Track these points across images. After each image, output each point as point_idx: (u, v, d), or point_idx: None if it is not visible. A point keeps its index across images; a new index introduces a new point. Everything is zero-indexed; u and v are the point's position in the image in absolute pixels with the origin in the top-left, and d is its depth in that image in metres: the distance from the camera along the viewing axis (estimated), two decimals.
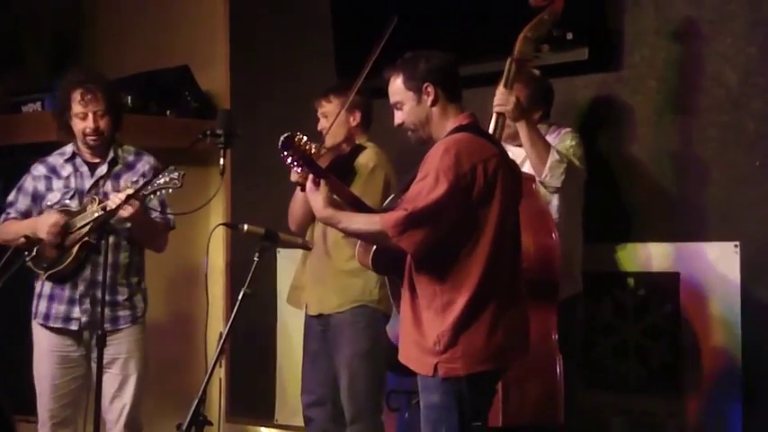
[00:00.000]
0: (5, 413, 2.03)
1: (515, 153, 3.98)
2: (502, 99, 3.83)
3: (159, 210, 4.10)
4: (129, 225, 4.00)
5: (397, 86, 3.27)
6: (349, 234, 3.31)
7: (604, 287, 4.30)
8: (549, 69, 4.13)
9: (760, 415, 3.98)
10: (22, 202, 4.18)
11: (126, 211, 3.86)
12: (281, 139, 3.23)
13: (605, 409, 4.29)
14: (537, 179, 3.86)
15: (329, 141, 4.14)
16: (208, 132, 3.72)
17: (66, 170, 4.16)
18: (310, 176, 3.24)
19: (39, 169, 4.20)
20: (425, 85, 3.23)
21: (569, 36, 4.15)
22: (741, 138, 4.07)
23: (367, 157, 4.13)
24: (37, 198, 4.16)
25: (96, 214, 3.92)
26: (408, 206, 3.09)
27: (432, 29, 4.56)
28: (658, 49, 4.25)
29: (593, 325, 4.31)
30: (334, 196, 3.26)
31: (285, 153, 3.23)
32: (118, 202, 3.83)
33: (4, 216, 4.19)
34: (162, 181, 3.85)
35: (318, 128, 4.20)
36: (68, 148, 4.20)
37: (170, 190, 3.86)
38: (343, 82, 4.33)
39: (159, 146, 4.21)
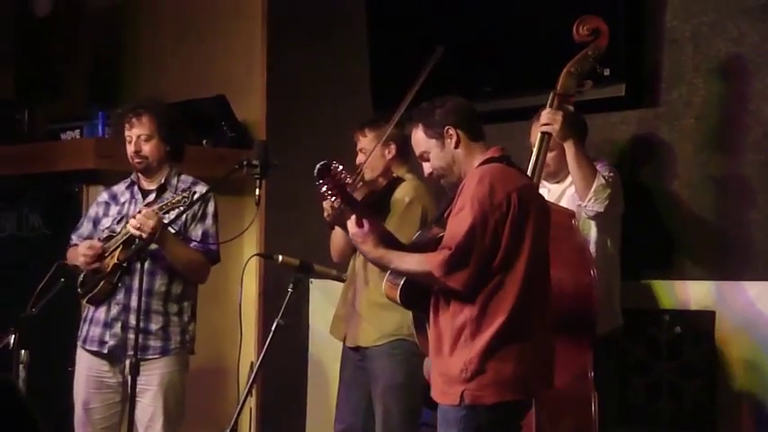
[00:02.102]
0: None
1: (553, 190, 3.97)
2: (549, 117, 3.77)
3: (199, 240, 4.09)
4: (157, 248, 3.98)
5: (419, 137, 3.32)
6: (399, 273, 3.28)
7: (639, 324, 4.26)
8: (586, 105, 4.11)
9: None
10: (85, 228, 4.26)
11: (143, 231, 3.85)
12: (317, 167, 3.23)
13: None
14: (577, 205, 3.83)
15: (368, 175, 4.14)
16: (244, 162, 3.75)
17: (125, 196, 4.22)
18: (353, 218, 3.25)
19: (102, 196, 4.30)
20: (446, 128, 3.26)
21: (606, 72, 4.14)
22: None
23: (403, 192, 4.13)
24: (96, 223, 4.23)
25: (125, 237, 3.95)
26: (451, 244, 3.10)
27: (473, 61, 4.57)
28: (696, 87, 4.22)
29: (627, 362, 4.27)
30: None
31: (320, 182, 3.23)
32: (134, 222, 3.87)
33: (71, 242, 4.26)
34: (175, 200, 3.89)
35: (357, 162, 4.19)
36: (132, 176, 4.26)
37: (181, 207, 3.88)
38: (378, 115, 4.34)
39: (195, 175, 4.23)
